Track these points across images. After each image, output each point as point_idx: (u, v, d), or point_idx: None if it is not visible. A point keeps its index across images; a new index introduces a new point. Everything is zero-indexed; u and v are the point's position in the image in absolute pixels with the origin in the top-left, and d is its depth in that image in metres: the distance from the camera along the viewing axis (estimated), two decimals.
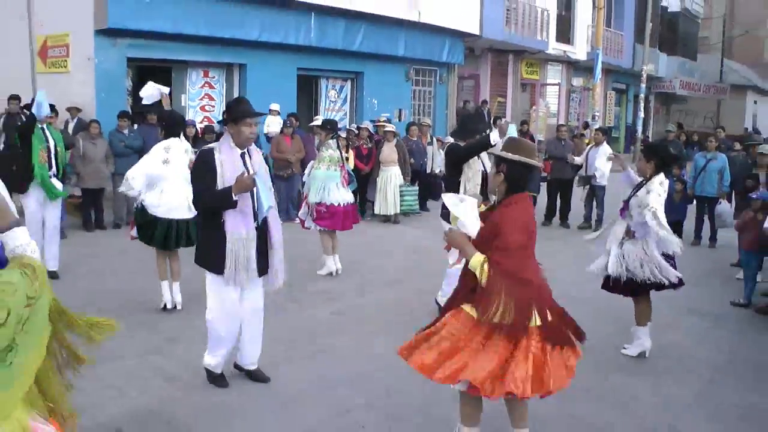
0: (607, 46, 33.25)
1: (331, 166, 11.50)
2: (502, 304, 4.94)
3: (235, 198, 6.27)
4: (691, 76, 47.15)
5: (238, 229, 6.44)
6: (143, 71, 19.07)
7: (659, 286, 8.27)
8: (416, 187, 17.81)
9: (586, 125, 27.18)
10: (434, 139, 19.52)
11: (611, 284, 8.43)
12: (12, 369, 2.92)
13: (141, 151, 14.25)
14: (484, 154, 8.99)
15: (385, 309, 9.80)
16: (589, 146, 17.39)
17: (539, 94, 33.37)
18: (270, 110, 17.11)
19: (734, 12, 60.77)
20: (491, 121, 23.77)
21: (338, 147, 11.84)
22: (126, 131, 15.02)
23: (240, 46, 19.20)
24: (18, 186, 10.14)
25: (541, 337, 5.15)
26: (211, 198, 6.42)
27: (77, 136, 14.51)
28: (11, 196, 7.09)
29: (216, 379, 7.01)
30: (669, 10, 43.28)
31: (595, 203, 16.92)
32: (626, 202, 8.39)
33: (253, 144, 6.81)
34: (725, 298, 11.16)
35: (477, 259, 5.07)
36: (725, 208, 14.58)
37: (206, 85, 19.77)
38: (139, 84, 19.05)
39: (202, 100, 19.55)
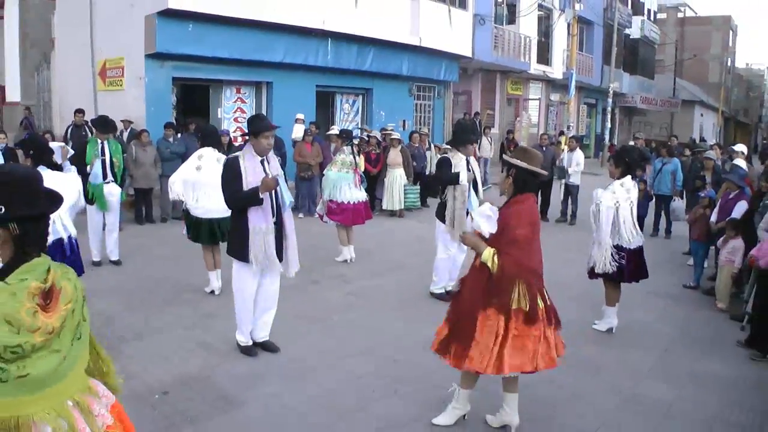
0: (579, 67, 33.20)
1: (343, 168, 11.47)
2: (516, 291, 5.02)
3: (261, 196, 6.49)
4: (649, 93, 47.21)
5: (259, 223, 6.61)
6: (186, 89, 19.17)
7: (615, 275, 8.24)
8: (418, 187, 17.84)
9: (562, 134, 27.15)
10: (432, 145, 19.54)
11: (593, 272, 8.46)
12: (80, 350, 2.96)
13: (184, 156, 14.25)
14: (473, 162, 9.18)
15: (392, 290, 9.80)
16: (565, 151, 17.39)
17: (522, 107, 33.38)
18: (296, 119, 17.07)
19: (684, 39, 60.98)
20: (482, 130, 23.85)
21: (352, 152, 11.78)
22: (171, 139, 14.97)
23: (267, 67, 19.21)
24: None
25: (547, 318, 5.27)
26: (241, 198, 6.55)
27: (130, 144, 14.52)
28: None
29: (247, 350, 7.06)
30: (631, 37, 43.43)
31: (570, 200, 16.88)
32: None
33: (271, 152, 6.93)
34: (679, 281, 11.22)
35: (488, 252, 5.07)
36: (678, 204, 14.63)
37: (238, 100, 19.76)
38: (183, 99, 19.18)
39: (235, 113, 19.54)
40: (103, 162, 10.52)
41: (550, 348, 5.37)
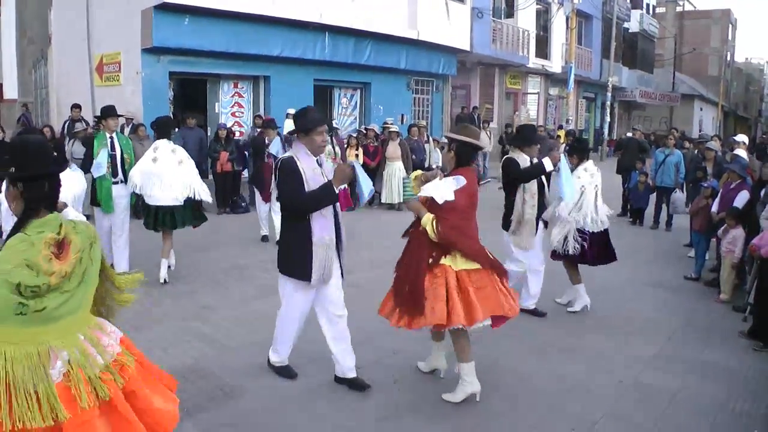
0: (578, 61, 33.14)
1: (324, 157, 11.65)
2: (457, 255, 5.54)
3: (338, 190, 5.59)
4: (648, 87, 47.20)
5: (323, 234, 5.68)
6: (183, 83, 19.12)
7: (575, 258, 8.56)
8: None
9: (560, 128, 27.17)
10: (431, 138, 19.51)
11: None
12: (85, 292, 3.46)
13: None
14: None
15: (391, 282, 9.74)
16: (564, 145, 17.37)
17: (521, 101, 33.25)
18: (287, 114, 17.02)
19: (683, 33, 60.99)
20: (480, 125, 23.83)
21: (331, 142, 12.55)
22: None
23: (264, 61, 19.16)
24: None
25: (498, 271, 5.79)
26: (313, 197, 5.55)
27: (128, 137, 14.48)
28: None
29: (284, 371, 6.28)
30: (629, 30, 43.37)
31: None
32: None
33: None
34: (680, 273, 11.17)
35: (427, 217, 5.53)
36: (679, 196, 14.54)
37: (236, 94, 19.70)
38: (181, 94, 19.13)
39: (232, 107, 19.51)
40: (113, 158, 9.80)
41: (508, 297, 5.79)
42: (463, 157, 5.75)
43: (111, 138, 9.82)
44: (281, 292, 6.10)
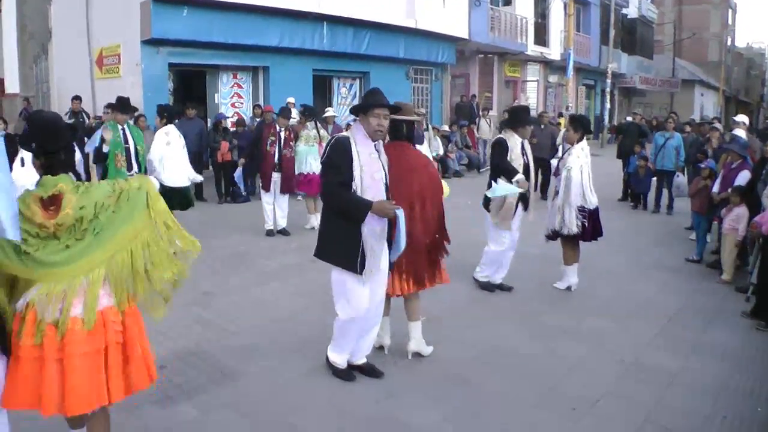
0: (577, 48, 33.02)
1: (309, 141, 12.57)
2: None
3: (371, 216, 5.19)
4: (648, 73, 47.06)
5: (373, 224, 5.27)
6: (182, 74, 19.09)
7: (578, 236, 8.66)
8: None
9: (561, 115, 27.08)
10: (431, 126, 19.47)
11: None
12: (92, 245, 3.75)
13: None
14: (527, 146, 8.41)
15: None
16: (564, 130, 17.27)
17: (520, 89, 33.15)
18: (287, 103, 16.96)
19: (682, 18, 60.81)
20: (479, 113, 23.81)
21: (315, 127, 12.92)
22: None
23: (263, 51, 19.15)
24: None
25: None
26: (345, 200, 5.22)
27: None
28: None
29: (344, 374, 5.83)
30: (628, 16, 43.14)
31: None
32: (557, 167, 8.89)
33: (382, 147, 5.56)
34: (681, 255, 11.11)
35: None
36: (681, 180, 14.49)
37: (235, 85, 19.68)
38: (181, 85, 19.09)
39: (232, 98, 19.48)
40: (127, 151, 9.62)
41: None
42: (394, 132, 5.95)
43: (123, 129, 9.66)
44: (336, 285, 5.58)
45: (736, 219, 9.52)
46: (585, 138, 8.85)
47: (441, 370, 6.03)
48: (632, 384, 5.91)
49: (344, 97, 23.24)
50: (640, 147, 16.46)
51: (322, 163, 5.43)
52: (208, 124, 17.22)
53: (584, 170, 8.50)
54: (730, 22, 66.99)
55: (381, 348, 6.34)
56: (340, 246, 5.35)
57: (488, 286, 8.68)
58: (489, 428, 5.04)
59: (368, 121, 5.31)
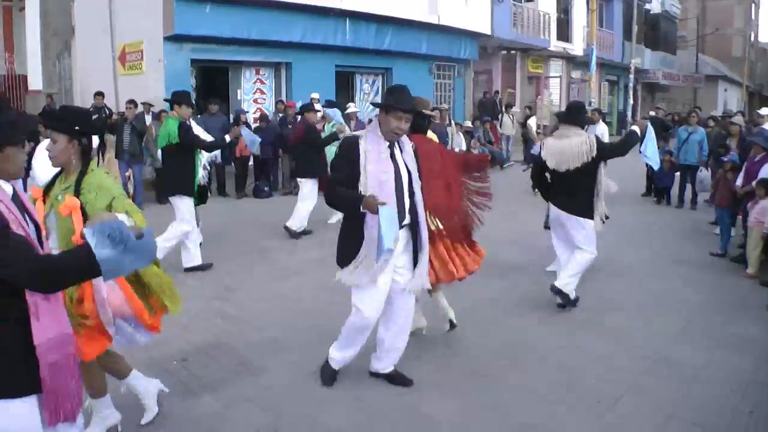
0: (600, 43, 32.80)
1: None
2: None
3: (362, 210, 4.88)
4: (672, 68, 46.70)
5: (373, 224, 4.98)
6: (205, 71, 19.13)
7: None
8: None
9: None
10: (453, 122, 19.41)
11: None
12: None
13: None
14: None
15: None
16: (587, 126, 17.17)
17: (543, 85, 33.00)
18: (311, 98, 16.95)
19: (706, 13, 60.31)
20: (503, 109, 23.73)
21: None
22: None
23: (286, 47, 19.16)
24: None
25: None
26: (337, 196, 5.09)
27: (150, 124, 14.57)
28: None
29: (330, 374, 5.65)
30: (651, 12, 42.82)
31: None
32: None
33: (406, 137, 5.29)
34: (706, 250, 10.98)
35: None
36: (705, 175, 14.37)
37: (258, 81, 19.73)
38: (203, 82, 19.11)
39: (254, 94, 19.54)
40: None
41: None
42: (417, 126, 5.95)
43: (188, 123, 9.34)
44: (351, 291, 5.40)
45: (761, 212, 9.40)
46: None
47: (463, 364, 6.00)
48: (656, 379, 5.83)
49: (367, 93, 23.22)
50: (664, 142, 16.33)
51: (331, 162, 5.40)
52: (231, 121, 17.27)
53: None
54: (753, 17, 66.32)
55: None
56: (341, 245, 5.34)
57: (575, 302, 7.95)
58: (510, 422, 5.00)
59: (388, 121, 5.05)
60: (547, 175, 7.79)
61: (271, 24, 18.09)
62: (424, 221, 5.31)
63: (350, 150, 5.08)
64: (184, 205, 8.93)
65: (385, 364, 5.65)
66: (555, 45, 31.36)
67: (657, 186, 16.19)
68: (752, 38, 65.79)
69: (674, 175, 15.60)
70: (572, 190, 7.48)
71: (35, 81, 22.80)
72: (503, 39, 27.17)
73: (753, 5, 65.55)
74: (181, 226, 8.94)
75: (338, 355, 5.61)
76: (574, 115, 7.78)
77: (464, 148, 20.04)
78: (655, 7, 42.90)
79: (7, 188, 3.00)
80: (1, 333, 2.88)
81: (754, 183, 9.69)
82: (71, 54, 22.16)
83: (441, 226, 5.97)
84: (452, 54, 25.04)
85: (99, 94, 16.32)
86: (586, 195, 7.54)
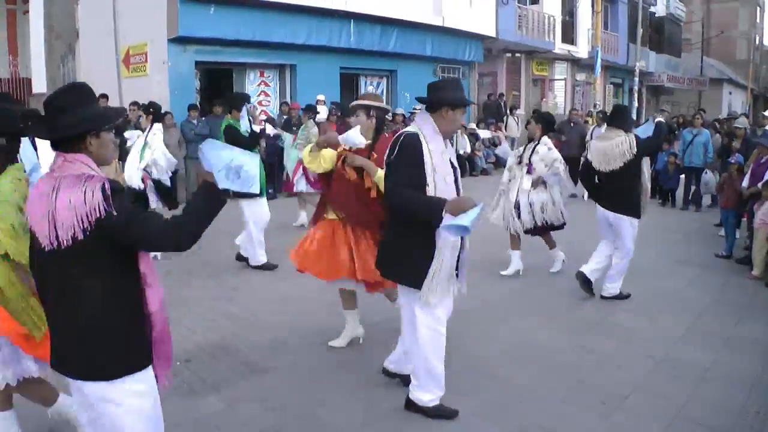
0: (604, 45, 32.76)
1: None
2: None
3: (444, 219, 4.25)
4: (676, 71, 46.57)
5: (446, 234, 4.44)
6: (210, 73, 19.13)
7: (552, 227, 9.05)
8: None
9: (590, 114, 26.94)
10: None
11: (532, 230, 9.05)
12: None
13: (208, 137, 14.27)
14: None
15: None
16: (593, 126, 17.21)
17: (548, 88, 33.04)
18: (317, 100, 16.96)
19: (710, 16, 60.26)
20: (507, 111, 23.72)
21: (316, 124, 12.96)
22: (195, 121, 15.00)
23: (290, 49, 19.10)
24: None
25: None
26: (415, 202, 4.44)
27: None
28: None
29: (441, 410, 5.03)
30: (656, 14, 42.72)
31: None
32: (529, 163, 8.89)
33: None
34: (711, 251, 11.02)
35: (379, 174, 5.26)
36: (710, 177, 14.38)
37: (262, 83, 19.66)
38: (208, 84, 19.11)
39: (259, 96, 19.47)
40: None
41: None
42: (380, 123, 5.84)
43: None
44: (411, 312, 4.86)
45: (767, 213, 9.40)
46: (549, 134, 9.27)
47: (469, 364, 5.98)
48: (663, 379, 5.82)
49: None
50: (668, 144, 16.34)
51: (387, 163, 4.72)
52: None
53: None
54: (758, 20, 66.20)
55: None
56: (411, 261, 4.66)
57: (622, 296, 8.23)
58: (517, 422, 4.98)
59: (454, 118, 4.74)
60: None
61: (276, 26, 18.07)
62: None
63: (414, 149, 4.56)
64: (248, 207, 9.07)
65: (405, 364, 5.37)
66: (560, 47, 31.32)
67: (662, 188, 16.19)
68: (757, 41, 65.60)
69: (679, 177, 15.61)
70: (617, 190, 7.79)
71: (39, 84, 22.75)
72: (508, 41, 27.11)
73: (758, 8, 65.44)
74: (252, 228, 9.17)
75: (430, 396, 5.01)
76: (618, 117, 8.10)
77: (468, 150, 20.07)
78: (660, 9, 42.83)
79: None
80: (124, 310, 3.05)
81: (760, 184, 9.68)
82: (75, 56, 22.06)
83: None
84: (457, 56, 24.99)
85: (103, 96, 16.31)
86: (633, 194, 7.82)
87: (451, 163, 4.75)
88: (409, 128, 4.79)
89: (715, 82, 51.96)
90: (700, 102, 48.53)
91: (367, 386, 5.55)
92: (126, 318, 3.04)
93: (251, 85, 19.32)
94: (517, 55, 29.96)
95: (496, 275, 8.77)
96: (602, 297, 8.16)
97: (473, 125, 22.16)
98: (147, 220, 2.96)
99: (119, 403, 3.04)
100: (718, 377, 5.88)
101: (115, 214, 2.85)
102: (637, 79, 34.56)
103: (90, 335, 2.97)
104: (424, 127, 4.69)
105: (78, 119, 3.02)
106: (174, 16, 16.40)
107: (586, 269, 8.11)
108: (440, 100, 4.72)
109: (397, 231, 4.78)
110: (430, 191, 4.51)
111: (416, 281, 4.62)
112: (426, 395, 4.98)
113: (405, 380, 5.36)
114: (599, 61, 28.90)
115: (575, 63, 34.44)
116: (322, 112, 16.75)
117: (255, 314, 7.30)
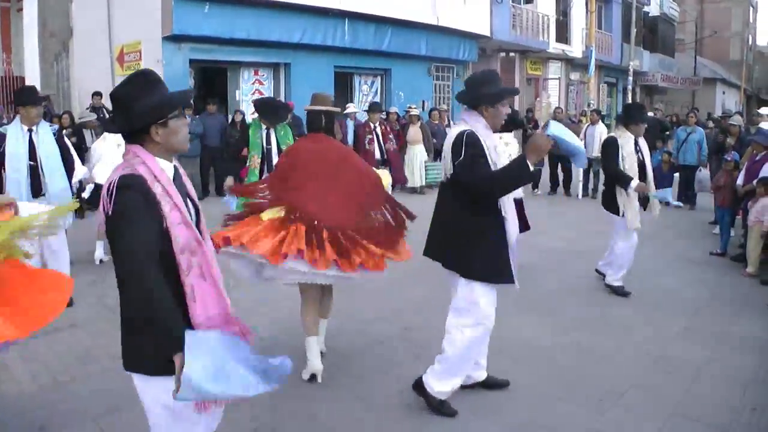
0: (599, 45, 32.80)
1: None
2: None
3: (532, 166, 4.39)
4: (670, 71, 46.72)
5: (515, 227, 4.82)
6: (204, 71, 19.12)
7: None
8: (439, 163, 17.68)
9: (584, 113, 26.96)
10: (452, 123, 19.40)
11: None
12: None
13: (202, 136, 14.26)
14: (642, 143, 8.24)
15: (414, 260, 9.66)
16: (587, 125, 17.20)
17: (542, 87, 33.05)
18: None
19: (704, 16, 60.43)
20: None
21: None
22: (189, 119, 14.95)
23: (285, 48, 19.08)
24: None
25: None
26: (507, 175, 4.48)
27: None
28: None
29: (444, 406, 5.04)
30: (650, 14, 42.83)
31: (591, 174, 16.68)
32: None
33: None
34: (705, 249, 11.06)
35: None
36: (704, 174, 14.42)
37: (257, 82, 19.62)
38: (202, 82, 19.09)
39: (253, 95, 19.38)
40: (269, 152, 9.04)
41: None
42: (310, 124, 5.75)
43: (267, 130, 9.17)
44: (469, 302, 4.90)
45: (761, 210, 9.42)
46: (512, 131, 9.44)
47: None
48: (659, 376, 5.83)
49: (365, 94, 23.13)
50: (662, 142, 16.37)
51: (457, 163, 4.63)
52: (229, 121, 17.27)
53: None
54: (751, 20, 66.46)
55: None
56: (490, 257, 4.76)
57: (622, 291, 8.34)
58: (514, 421, 4.97)
59: (499, 111, 4.78)
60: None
61: (270, 24, 18.04)
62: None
63: (479, 146, 4.59)
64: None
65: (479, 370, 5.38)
66: (554, 47, 31.35)
67: (656, 187, 16.20)
68: (750, 41, 65.88)
69: (673, 175, 15.63)
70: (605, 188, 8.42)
71: (33, 82, 22.75)
72: (502, 40, 27.14)
73: (751, 8, 65.69)
74: None
75: (448, 387, 5.03)
76: (625, 115, 8.44)
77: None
78: (653, 9, 42.94)
79: (168, 169, 3.06)
80: None
81: (755, 182, 9.70)
82: (69, 55, 22.15)
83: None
84: (451, 55, 24.97)
85: (97, 94, 16.29)
86: (610, 191, 8.24)
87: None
88: (461, 126, 4.78)
89: (708, 82, 52.16)
90: (694, 101, 48.67)
91: (364, 384, 5.55)
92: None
93: (246, 83, 19.28)
94: (512, 54, 29.98)
95: None
96: (606, 285, 8.47)
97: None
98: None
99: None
100: (714, 374, 5.89)
101: (110, 213, 2.82)
102: (630, 78, 34.63)
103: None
104: (476, 124, 4.72)
105: (134, 114, 2.96)
106: (168, 15, 16.36)
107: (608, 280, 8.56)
108: (478, 98, 4.79)
109: (475, 236, 4.75)
110: None
111: (503, 277, 4.79)
112: (439, 385, 4.98)
113: (488, 386, 5.44)
114: (593, 60, 28.92)
115: (569, 62, 34.50)
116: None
117: (249, 313, 7.25)
